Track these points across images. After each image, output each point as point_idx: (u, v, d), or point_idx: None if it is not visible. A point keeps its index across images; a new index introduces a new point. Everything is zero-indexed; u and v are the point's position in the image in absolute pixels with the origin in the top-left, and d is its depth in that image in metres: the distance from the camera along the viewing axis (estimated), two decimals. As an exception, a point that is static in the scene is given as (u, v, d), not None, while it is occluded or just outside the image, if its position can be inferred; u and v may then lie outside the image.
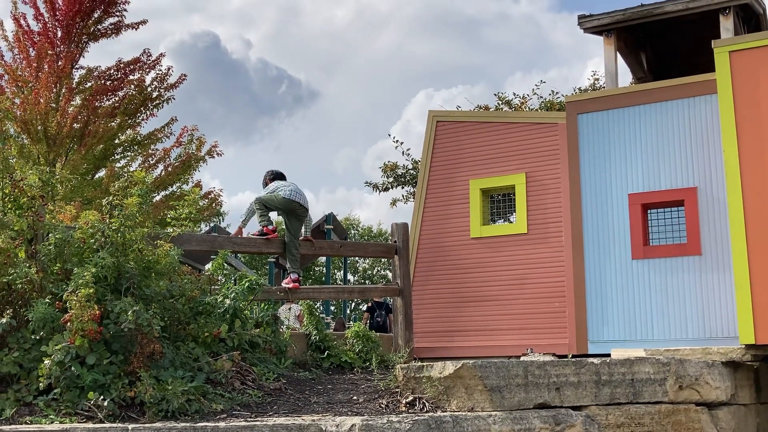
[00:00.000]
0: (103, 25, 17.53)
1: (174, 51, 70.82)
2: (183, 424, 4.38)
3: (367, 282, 46.28)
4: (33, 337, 5.53)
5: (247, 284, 6.96)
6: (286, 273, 8.60)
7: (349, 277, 49.83)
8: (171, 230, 7.41)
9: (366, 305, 18.79)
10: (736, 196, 7.78)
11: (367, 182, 17.86)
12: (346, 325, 21.51)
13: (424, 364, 5.81)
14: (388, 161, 17.78)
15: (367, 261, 46.77)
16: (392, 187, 17.58)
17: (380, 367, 7.89)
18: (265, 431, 4.38)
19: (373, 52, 76.15)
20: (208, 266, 9.52)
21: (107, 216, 6.35)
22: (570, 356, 8.90)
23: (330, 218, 22.18)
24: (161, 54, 18.38)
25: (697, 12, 9.33)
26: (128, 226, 6.25)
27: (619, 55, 10.33)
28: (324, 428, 4.59)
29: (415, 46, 74.14)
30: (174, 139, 18.42)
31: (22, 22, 16.74)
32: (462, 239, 10.04)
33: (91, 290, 5.53)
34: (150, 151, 18.31)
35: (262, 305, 8.08)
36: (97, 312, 5.45)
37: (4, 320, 5.53)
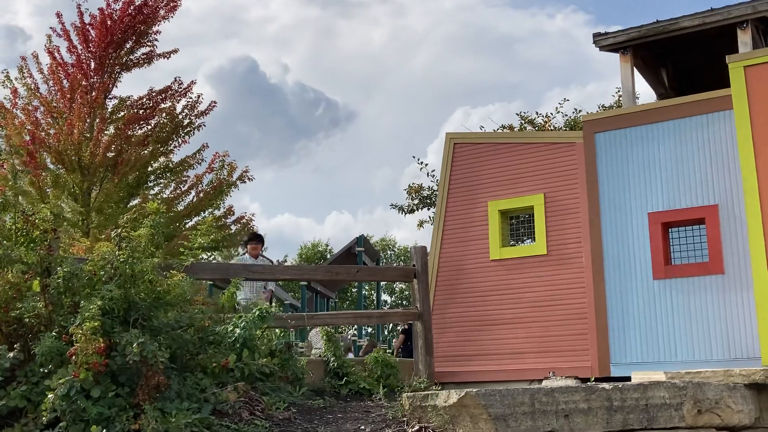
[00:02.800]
0: (136, 55, 17.93)
1: (212, 77, 71.90)
2: (175, 460, 4.37)
3: (405, 303, 46.20)
4: (41, 370, 5.59)
5: (257, 313, 6.98)
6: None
7: (386, 297, 49.84)
8: (184, 258, 7.47)
9: (402, 327, 18.72)
10: (755, 214, 7.60)
11: (392, 204, 17.89)
12: (378, 347, 21.50)
13: (429, 392, 5.74)
14: (413, 183, 17.76)
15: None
16: (417, 209, 17.55)
17: (399, 393, 7.83)
18: (258, 465, 4.35)
19: (410, 72, 76.48)
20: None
21: (116, 248, 6.42)
22: (592, 379, 8.74)
23: (361, 240, 22.21)
24: (192, 81, 18.71)
25: (714, 27, 9.19)
26: (136, 257, 6.31)
27: (638, 72, 10.22)
28: (320, 461, 4.54)
29: (451, 64, 74.33)
30: (206, 165, 18.75)
31: (56, 54, 17.18)
32: (482, 261, 9.96)
33: (96, 323, 5.58)
34: (182, 178, 18.64)
35: (279, 333, 8.07)
36: (102, 345, 5.49)
37: (11, 354, 5.61)
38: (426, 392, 5.75)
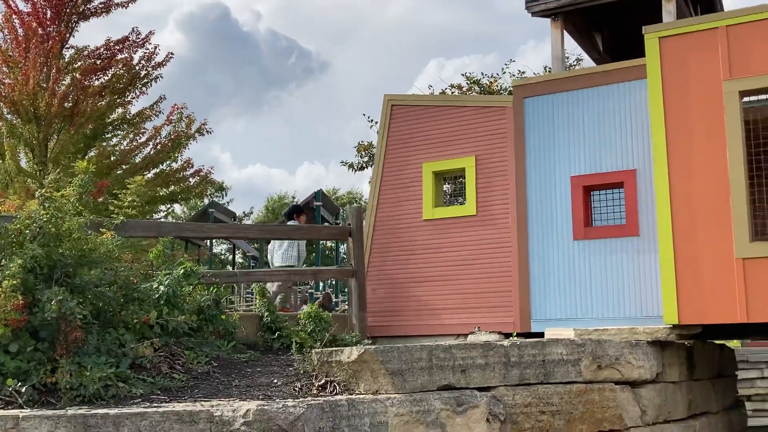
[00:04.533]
0: (93, 3, 17.81)
1: (182, 23, 70.71)
2: (74, 412, 4.67)
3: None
4: (-36, 326, 5.83)
5: (182, 270, 7.24)
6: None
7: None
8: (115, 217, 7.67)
9: (323, 292, 19.15)
10: (662, 180, 7.96)
11: (343, 161, 18.09)
12: (334, 300, 21.90)
13: (334, 349, 6.08)
14: (362, 141, 17.97)
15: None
16: (367, 167, 17.79)
17: (330, 347, 8.16)
18: (155, 418, 4.66)
19: (384, 21, 75.85)
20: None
21: (41, 207, 6.62)
22: (514, 335, 9.16)
23: (319, 195, 22.42)
24: (150, 32, 18.67)
25: (642, -5, 9.42)
26: (61, 216, 6.51)
27: (572, 38, 10.45)
28: (218, 414, 4.87)
29: (426, 14, 73.79)
30: (164, 117, 18.79)
31: (11, 2, 17.00)
32: (415, 221, 10.27)
33: (16, 281, 5.81)
34: (140, 130, 18.67)
35: (211, 289, 8.31)
36: (21, 302, 5.74)
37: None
38: (331, 348, 6.09)
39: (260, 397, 5.71)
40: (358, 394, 5.74)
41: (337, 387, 5.88)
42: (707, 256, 7.74)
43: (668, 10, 9.18)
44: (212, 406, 5.07)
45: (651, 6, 10.03)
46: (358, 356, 5.74)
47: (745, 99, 8.09)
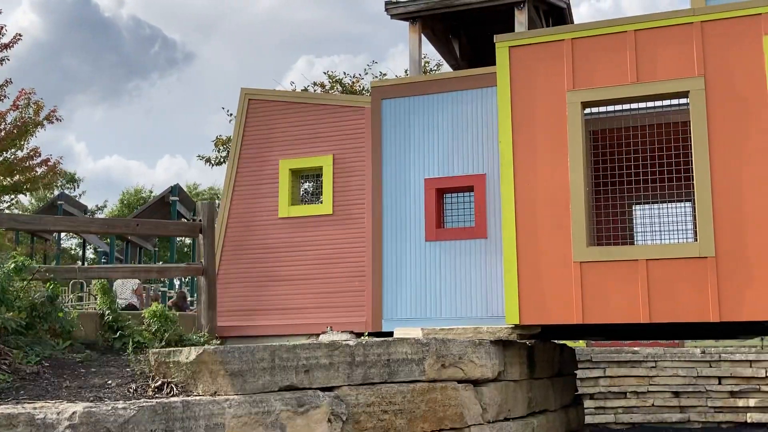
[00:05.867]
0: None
1: (38, 4, 66.95)
2: None
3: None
4: None
5: (13, 265, 6.80)
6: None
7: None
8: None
9: (177, 291, 18.68)
10: (508, 185, 8.23)
11: (200, 156, 17.65)
12: (189, 299, 21.32)
13: (173, 349, 5.88)
14: (220, 135, 17.60)
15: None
16: (225, 161, 17.42)
17: (177, 347, 7.89)
18: (-34, 422, 4.32)
19: (253, 15, 74.80)
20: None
21: None
22: (366, 334, 9.21)
23: (176, 189, 21.75)
24: (-6, 13, 17.58)
25: (496, 5, 9.71)
26: None
27: (430, 42, 10.62)
28: (40, 417, 4.58)
29: (297, 11, 73.33)
30: (10, 102, 17.73)
31: None
32: (270, 219, 10.14)
33: None
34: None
35: (48, 285, 7.86)
36: None
37: None
38: (169, 349, 5.88)
39: (91, 398, 5.43)
40: (196, 395, 5.56)
41: (175, 388, 5.68)
42: (548, 260, 8.05)
43: (520, 21, 9.51)
44: (35, 408, 4.76)
45: (506, 16, 10.35)
46: (197, 357, 5.56)
47: (587, 110, 8.48)
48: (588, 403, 18.14)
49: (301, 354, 5.93)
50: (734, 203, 7.54)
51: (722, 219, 7.55)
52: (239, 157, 10.35)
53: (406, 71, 17.74)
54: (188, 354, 5.66)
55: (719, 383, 18.17)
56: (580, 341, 19.12)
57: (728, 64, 7.75)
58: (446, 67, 14.11)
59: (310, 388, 5.94)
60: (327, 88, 16.79)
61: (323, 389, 6.03)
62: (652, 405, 18.37)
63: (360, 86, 16.59)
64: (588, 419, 17.53)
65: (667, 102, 8.43)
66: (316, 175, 10.51)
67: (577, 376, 17.28)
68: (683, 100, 8.11)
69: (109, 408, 4.82)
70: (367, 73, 17.19)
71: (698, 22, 7.88)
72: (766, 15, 7.77)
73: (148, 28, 76.15)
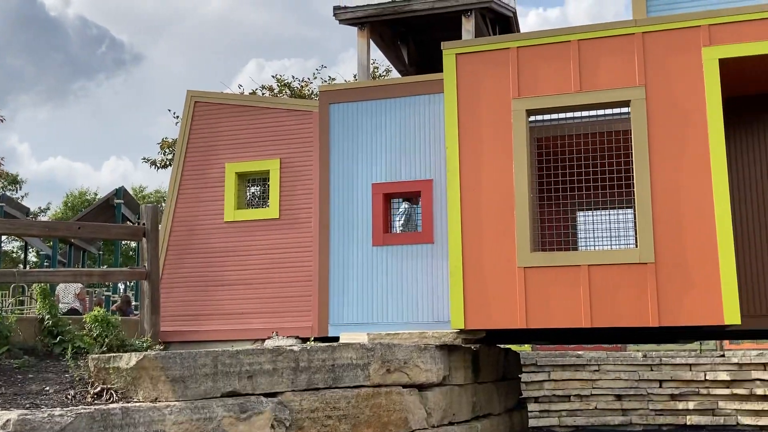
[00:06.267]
0: None
1: (-23, 3, 65.27)
2: None
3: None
4: None
5: (-54, 269, 6.60)
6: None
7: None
8: None
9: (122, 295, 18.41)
10: (454, 191, 8.29)
11: (145, 158, 17.39)
12: (132, 303, 20.97)
13: (113, 355, 5.77)
14: (166, 137, 17.38)
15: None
16: (171, 164, 17.20)
17: (118, 352, 7.75)
18: None
19: (203, 17, 74.01)
20: None
21: None
22: (312, 339, 9.17)
23: (120, 192, 21.38)
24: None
25: (444, 12, 9.79)
26: None
27: (379, 48, 10.65)
28: (-29, 425, 4.45)
29: (248, 14, 72.79)
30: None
31: None
32: (216, 223, 10.04)
33: None
34: None
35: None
36: None
37: None
38: (109, 354, 5.77)
39: (27, 405, 5.30)
40: (136, 402, 5.47)
41: (114, 395, 5.58)
42: (493, 265, 8.13)
43: (467, 29, 9.60)
44: (-35, 417, 4.63)
45: (453, 23, 10.46)
46: (137, 362, 5.47)
47: (533, 118, 8.60)
48: (533, 407, 18.38)
49: (244, 360, 5.88)
50: (673, 210, 7.72)
51: (662, 226, 7.72)
52: (184, 160, 10.23)
53: (355, 76, 17.78)
54: (128, 360, 5.56)
55: (660, 386, 18.58)
56: (526, 345, 19.34)
57: (668, 75, 7.94)
58: (396, 73, 14.19)
59: (253, 394, 5.89)
60: (276, 91, 16.71)
61: (267, 395, 5.99)
62: (595, 408, 18.69)
63: (309, 90, 16.55)
64: (533, 422, 17.75)
65: (610, 111, 8.60)
66: (263, 179, 10.44)
67: (522, 380, 17.50)
68: (625, 109, 8.27)
69: (45, 415, 4.70)
70: (316, 78, 17.18)
71: (640, 33, 8.06)
72: (705, 27, 7.98)
73: (95, 28, 74.86)
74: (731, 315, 7.46)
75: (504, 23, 11.00)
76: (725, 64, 7.93)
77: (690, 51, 7.94)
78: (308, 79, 17.09)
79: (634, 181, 7.92)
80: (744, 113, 8.95)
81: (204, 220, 10.08)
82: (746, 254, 8.71)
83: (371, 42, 10.27)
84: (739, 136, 8.91)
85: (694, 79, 7.88)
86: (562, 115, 9.04)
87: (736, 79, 8.36)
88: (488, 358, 9.43)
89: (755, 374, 17.79)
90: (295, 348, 6.32)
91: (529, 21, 74.35)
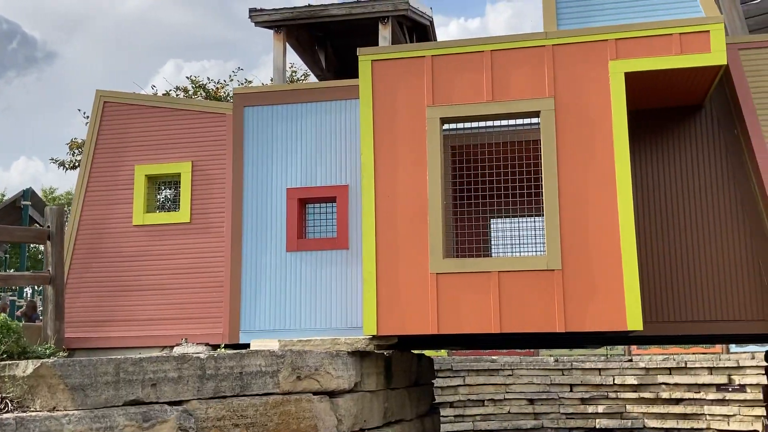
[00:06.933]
0: None
1: None
2: None
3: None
4: None
5: None
6: None
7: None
8: None
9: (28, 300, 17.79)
10: (369, 197, 8.30)
11: (52, 159, 16.81)
12: (39, 308, 20.23)
13: (8, 363, 5.54)
14: (75, 138, 16.86)
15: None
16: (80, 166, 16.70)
17: (19, 359, 7.44)
18: None
19: (120, 15, 72.19)
20: None
21: None
22: (222, 346, 9.02)
23: (28, 194, 20.54)
24: None
25: (361, 18, 9.80)
26: None
27: (296, 52, 10.58)
28: None
29: (166, 13, 71.36)
30: None
31: None
32: (125, 226, 9.77)
33: None
34: None
35: None
36: None
37: None
38: (4, 363, 5.54)
39: None
40: (33, 411, 5.26)
41: (10, 404, 5.35)
42: (406, 271, 8.17)
43: (384, 36, 9.64)
44: None
45: (370, 29, 10.48)
46: (34, 370, 5.27)
47: (447, 126, 8.69)
48: (448, 411, 18.56)
49: (148, 367, 5.73)
50: (580, 219, 7.92)
51: (568, 234, 7.91)
52: (92, 161, 9.93)
53: (272, 79, 17.63)
54: (25, 367, 5.35)
55: (571, 390, 19.05)
56: (442, 350, 19.54)
57: (577, 87, 8.15)
58: (314, 78, 14.13)
59: (157, 403, 5.75)
60: (190, 93, 16.42)
61: (171, 403, 5.85)
62: (509, 412, 19.01)
63: (224, 93, 16.31)
64: (447, 427, 17.93)
65: (521, 120, 8.76)
66: (175, 182, 10.23)
67: (438, 385, 17.66)
68: (535, 120, 8.44)
69: (-70, 428, 4.47)
70: (232, 80, 16.96)
71: (550, 45, 8.25)
72: (612, 41, 8.23)
73: (5, 23, 72.08)
74: (634, 321, 7.69)
75: (421, 31, 11.09)
76: (631, 78, 8.18)
77: (598, 64, 8.17)
78: (224, 81, 16.87)
79: (543, 190, 8.08)
80: (648, 126, 9.26)
81: (112, 223, 9.80)
82: (650, 263, 9.00)
83: (288, 46, 10.19)
84: (643, 148, 9.21)
85: (601, 91, 8.10)
86: (476, 124, 9.16)
87: (641, 92, 8.64)
88: (401, 364, 9.47)
89: (661, 378, 18.44)
90: (202, 355, 6.20)
91: (450, 30, 75.39)
